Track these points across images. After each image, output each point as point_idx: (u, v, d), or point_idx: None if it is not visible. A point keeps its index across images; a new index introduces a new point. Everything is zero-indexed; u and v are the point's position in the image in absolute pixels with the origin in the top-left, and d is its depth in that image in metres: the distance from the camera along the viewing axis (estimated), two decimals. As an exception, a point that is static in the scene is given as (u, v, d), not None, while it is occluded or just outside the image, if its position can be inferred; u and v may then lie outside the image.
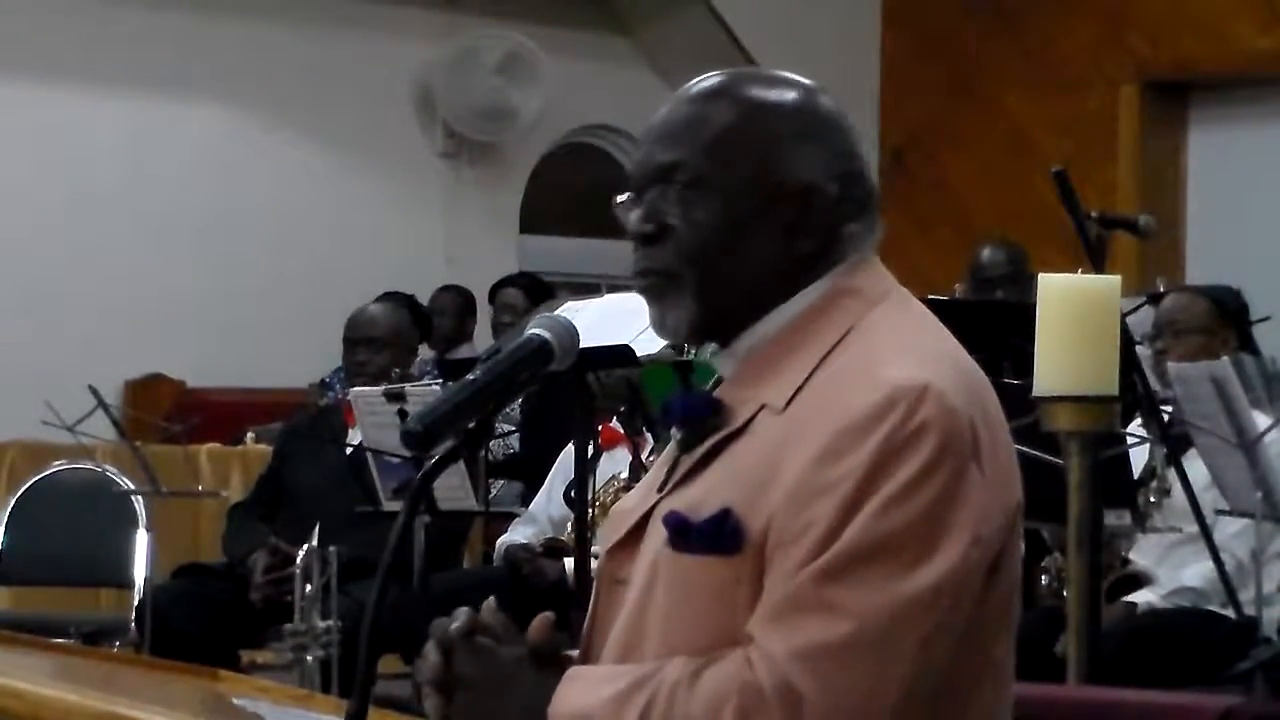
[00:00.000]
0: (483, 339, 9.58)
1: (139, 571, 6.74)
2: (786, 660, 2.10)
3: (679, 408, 2.32)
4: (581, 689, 2.21)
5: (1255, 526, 5.23)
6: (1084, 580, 4.13)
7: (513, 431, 7.60)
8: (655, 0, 11.05)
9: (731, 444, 2.25)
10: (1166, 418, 5.38)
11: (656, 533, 2.26)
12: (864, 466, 2.13)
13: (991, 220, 10.34)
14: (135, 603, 6.54)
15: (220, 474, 7.98)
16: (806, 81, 2.36)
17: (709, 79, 2.35)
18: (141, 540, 6.79)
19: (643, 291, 2.33)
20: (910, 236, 10.39)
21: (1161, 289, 6.58)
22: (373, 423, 6.02)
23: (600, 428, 6.19)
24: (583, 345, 2.39)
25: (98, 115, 9.68)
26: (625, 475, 6.20)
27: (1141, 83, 10.71)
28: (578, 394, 5.04)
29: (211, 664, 3.90)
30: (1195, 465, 5.36)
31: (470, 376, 2.29)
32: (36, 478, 7.26)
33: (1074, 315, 4.04)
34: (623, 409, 6.43)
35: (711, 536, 2.19)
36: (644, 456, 6.06)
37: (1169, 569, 5.54)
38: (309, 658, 5.81)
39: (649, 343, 4.72)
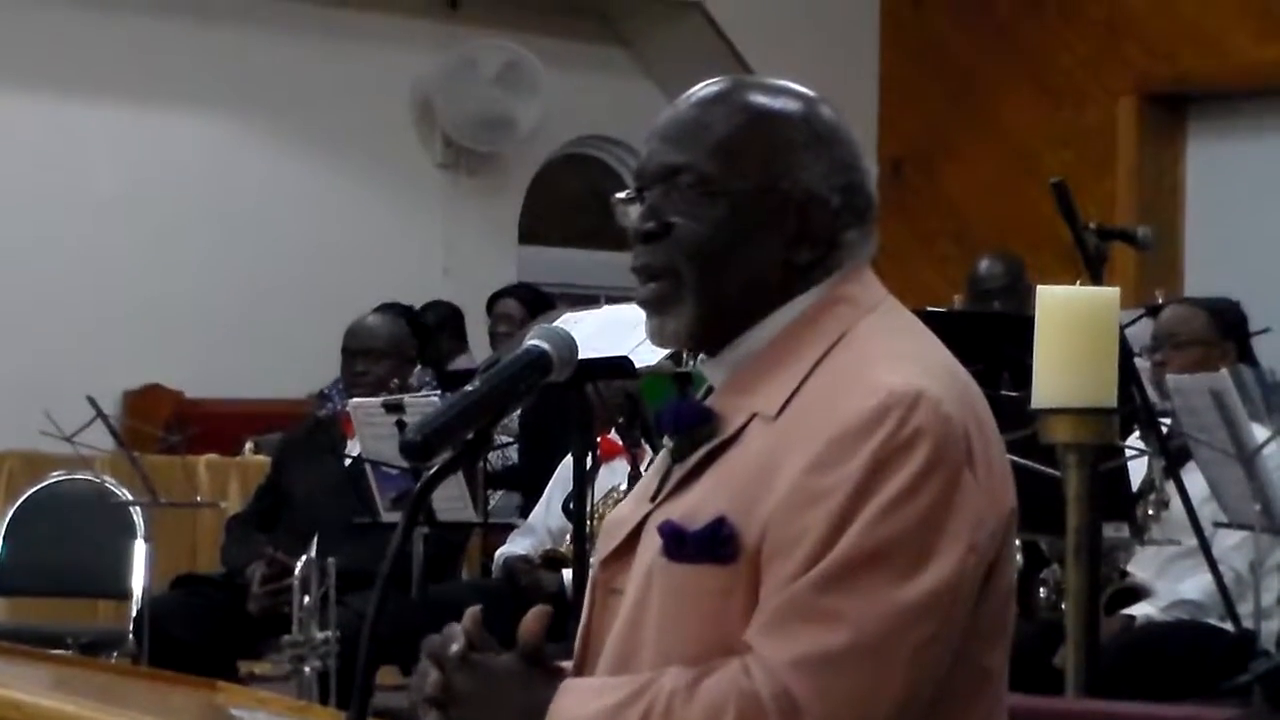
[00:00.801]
0: (480, 349, 9.58)
1: (137, 582, 6.74)
2: (784, 669, 2.10)
3: (671, 417, 2.32)
4: (578, 700, 2.21)
5: (1254, 539, 5.23)
6: (1082, 592, 4.13)
7: (511, 443, 7.59)
8: (654, 11, 11.06)
9: (724, 452, 2.25)
10: (1165, 430, 5.38)
11: (650, 542, 2.26)
12: (858, 473, 2.13)
13: (990, 232, 10.36)
14: (133, 613, 6.53)
15: (218, 485, 7.98)
16: (810, 92, 2.36)
17: (716, 84, 2.35)
18: (140, 551, 6.78)
19: (643, 298, 2.32)
20: (910, 248, 10.39)
21: (1160, 301, 6.58)
22: (371, 434, 6.02)
23: (599, 439, 6.19)
24: (581, 356, 2.39)
25: (96, 125, 9.69)
26: (624, 487, 6.18)
27: (1140, 95, 10.72)
28: (576, 405, 5.03)
29: (209, 675, 3.89)
30: (1194, 478, 5.35)
31: (469, 387, 2.29)
32: (35, 488, 7.25)
33: (1073, 327, 4.03)
34: (621, 420, 6.43)
35: (707, 545, 2.19)
36: (643, 468, 6.05)
37: (1167, 581, 5.54)
38: (307, 669, 5.80)
39: (648, 354, 4.72)
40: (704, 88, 2.36)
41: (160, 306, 9.70)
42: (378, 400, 6.12)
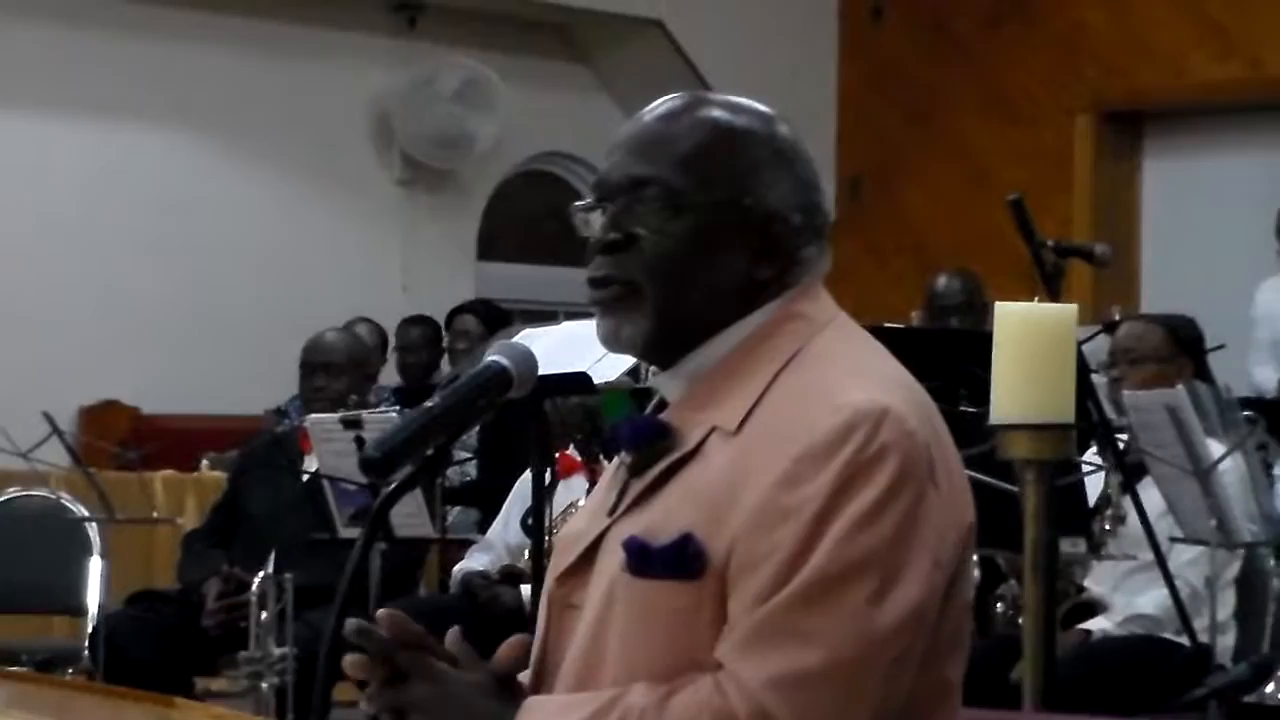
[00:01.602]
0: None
1: (93, 598, 6.70)
2: (760, 688, 2.10)
3: (628, 432, 2.31)
4: (542, 718, 2.20)
5: (1209, 554, 5.25)
6: (1039, 607, 4.14)
7: (470, 458, 7.59)
8: (613, 29, 11.07)
9: (684, 467, 2.24)
10: (1122, 446, 5.40)
11: (610, 557, 2.25)
12: (826, 490, 2.14)
13: (948, 249, 10.38)
14: (89, 630, 6.50)
15: (175, 501, 7.96)
16: (769, 110, 2.37)
17: (679, 99, 2.36)
18: (95, 567, 6.75)
19: (598, 302, 2.32)
20: (867, 265, 10.42)
21: (1117, 317, 6.60)
22: (329, 450, 6.01)
23: (557, 455, 6.19)
24: (540, 372, 2.39)
25: (55, 142, 9.66)
26: (582, 503, 6.19)
27: (1096, 113, 10.78)
28: (535, 421, 5.03)
29: (166, 691, 3.88)
30: (1150, 493, 5.37)
31: (429, 404, 2.29)
32: (-10, 504, 7.22)
33: (1031, 343, 4.04)
34: (580, 436, 6.43)
35: (673, 561, 2.18)
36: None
37: (1124, 596, 5.56)
38: (264, 685, 5.78)
39: (607, 370, 4.73)
40: (667, 102, 2.36)
41: (117, 322, 9.68)
42: (336, 416, 6.11)
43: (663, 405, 2.35)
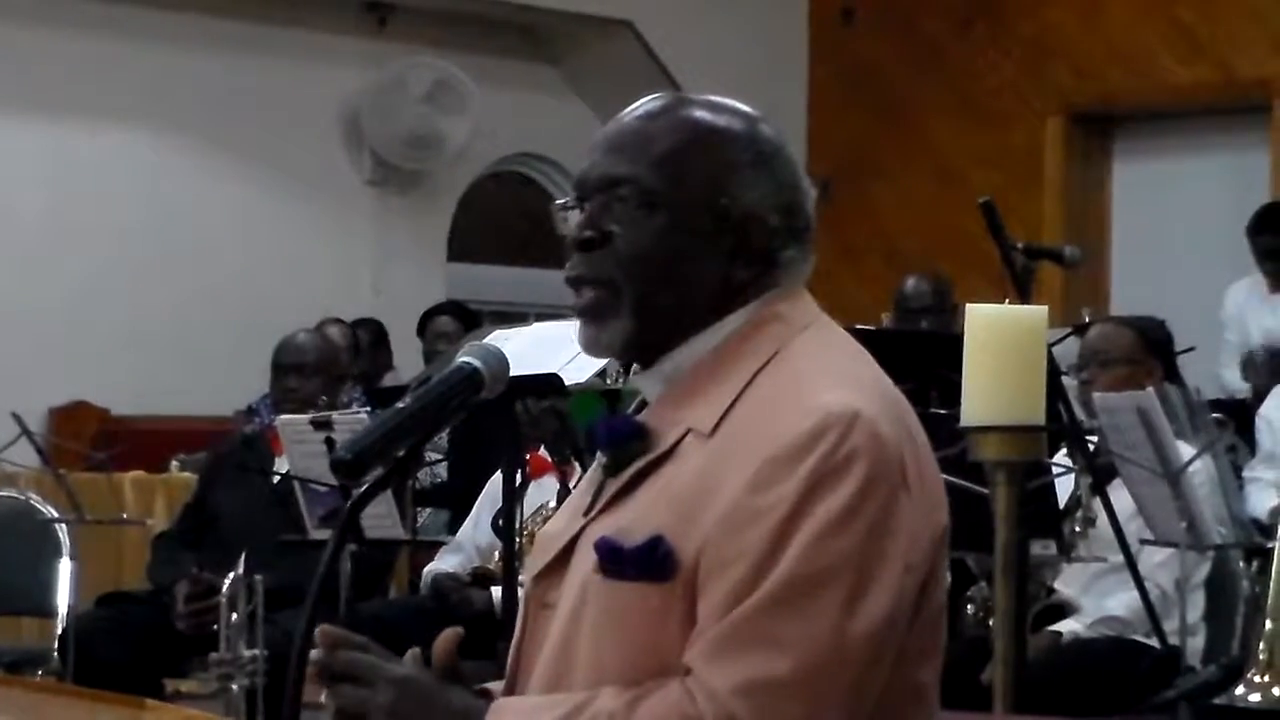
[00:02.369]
0: (407, 366, 9.56)
1: (62, 600, 6.67)
2: (729, 695, 2.10)
3: (605, 432, 2.31)
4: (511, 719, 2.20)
5: (1179, 556, 5.26)
6: (1010, 609, 4.14)
7: (440, 460, 7.58)
8: (584, 30, 11.07)
9: (659, 468, 2.24)
10: (1092, 448, 5.41)
11: (584, 557, 2.25)
12: (795, 494, 2.13)
13: (918, 251, 10.41)
14: (58, 631, 6.48)
15: (145, 502, 7.94)
16: (754, 111, 2.37)
17: (661, 98, 2.36)
18: (65, 568, 6.72)
19: (579, 307, 2.32)
20: (838, 266, 10.43)
21: (1087, 320, 6.62)
22: (300, 451, 5.99)
23: (528, 456, 6.18)
24: (511, 373, 2.39)
25: (23, 142, 9.64)
26: (553, 504, 6.19)
27: (1067, 115, 10.80)
28: (506, 422, 5.03)
29: (136, 693, 3.87)
30: (1120, 495, 5.38)
31: (400, 404, 2.29)
32: (-41, 506, 7.19)
33: (1001, 345, 4.05)
34: (550, 437, 6.43)
35: (644, 563, 2.18)
36: (571, 485, 6.05)
37: (1094, 598, 5.56)
38: (234, 687, 5.76)
39: (578, 371, 4.72)
40: (649, 102, 2.36)
41: (87, 323, 9.65)
42: (306, 417, 6.09)
43: (644, 405, 2.35)
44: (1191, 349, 6.63)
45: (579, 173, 2.35)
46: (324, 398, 6.52)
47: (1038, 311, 4.25)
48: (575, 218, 2.32)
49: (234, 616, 5.81)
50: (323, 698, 2.27)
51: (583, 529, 2.29)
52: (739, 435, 2.19)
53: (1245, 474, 6.74)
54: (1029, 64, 10.87)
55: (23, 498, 7.04)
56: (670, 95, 2.37)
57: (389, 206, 10.85)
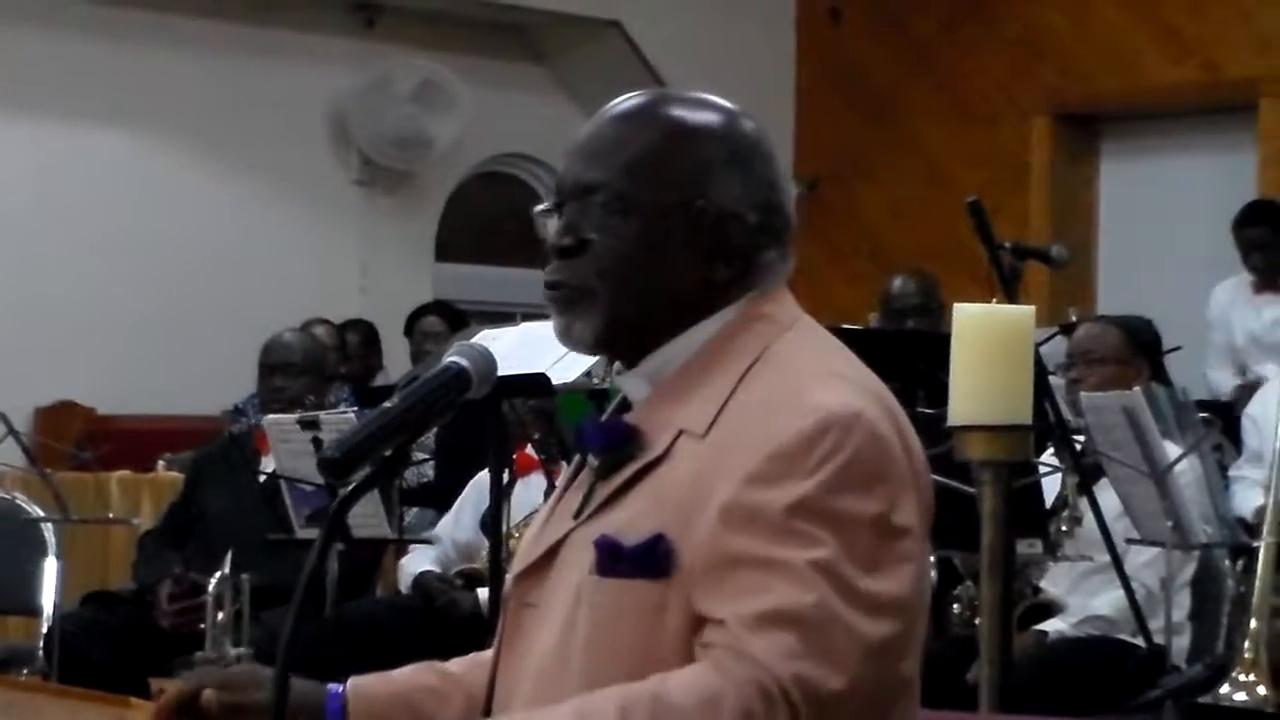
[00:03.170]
0: (395, 366, 9.56)
1: (48, 599, 6.66)
2: (779, 665, 2.08)
3: (598, 435, 2.31)
4: None
5: (1165, 555, 5.27)
6: (996, 608, 4.14)
7: (427, 459, 7.57)
8: (572, 30, 11.07)
9: (653, 470, 2.24)
10: (1079, 447, 5.41)
11: (576, 560, 2.25)
12: (799, 492, 2.13)
13: (906, 251, 10.41)
14: (44, 630, 6.47)
15: (131, 501, 7.93)
16: (731, 105, 2.36)
17: (637, 97, 2.35)
18: (51, 568, 6.71)
19: (552, 298, 2.32)
20: (825, 266, 10.44)
21: (1075, 319, 6.62)
22: (286, 450, 5.99)
23: (515, 455, 6.18)
24: (499, 373, 2.39)
25: (8, 142, 9.62)
26: (541, 502, 6.18)
27: (1054, 115, 10.81)
28: (493, 422, 5.02)
29: (121, 692, 3.86)
30: (1106, 494, 5.39)
31: (387, 404, 2.29)
32: (-55, 505, 7.18)
33: (989, 345, 4.05)
34: (537, 436, 6.43)
35: (643, 560, 2.18)
36: (558, 483, 6.04)
37: (1080, 597, 5.57)
38: (220, 686, 5.75)
39: (565, 371, 4.72)
40: (624, 101, 2.35)
41: (73, 323, 9.63)
42: (293, 417, 6.09)
43: (626, 405, 2.35)
44: (1178, 348, 6.64)
45: (557, 177, 2.35)
46: (311, 397, 6.52)
47: (1025, 311, 4.25)
48: (553, 224, 2.32)
49: (220, 616, 5.81)
50: None
51: (572, 530, 2.29)
52: (734, 436, 2.19)
53: (1231, 473, 6.75)
54: (1016, 64, 10.87)
55: (9, 497, 7.03)
56: (647, 94, 2.36)
57: (376, 206, 10.85)
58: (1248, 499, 6.47)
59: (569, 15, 10.88)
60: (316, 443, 5.73)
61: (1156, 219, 10.54)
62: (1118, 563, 5.27)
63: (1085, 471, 5.38)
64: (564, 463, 6.14)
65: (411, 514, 7.70)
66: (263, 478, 6.28)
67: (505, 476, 5.14)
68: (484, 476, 5.56)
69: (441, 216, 11.18)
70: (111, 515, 7.37)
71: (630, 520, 2.22)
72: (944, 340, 4.18)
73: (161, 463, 8.49)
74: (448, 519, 6.71)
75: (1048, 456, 5.50)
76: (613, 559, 2.20)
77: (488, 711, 2.35)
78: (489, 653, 2.39)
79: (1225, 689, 4.76)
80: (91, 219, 9.76)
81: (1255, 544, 5.04)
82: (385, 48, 10.67)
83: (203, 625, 5.88)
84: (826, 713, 2.09)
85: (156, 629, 6.20)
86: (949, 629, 5.50)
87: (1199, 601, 5.60)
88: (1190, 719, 4.84)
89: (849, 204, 11.17)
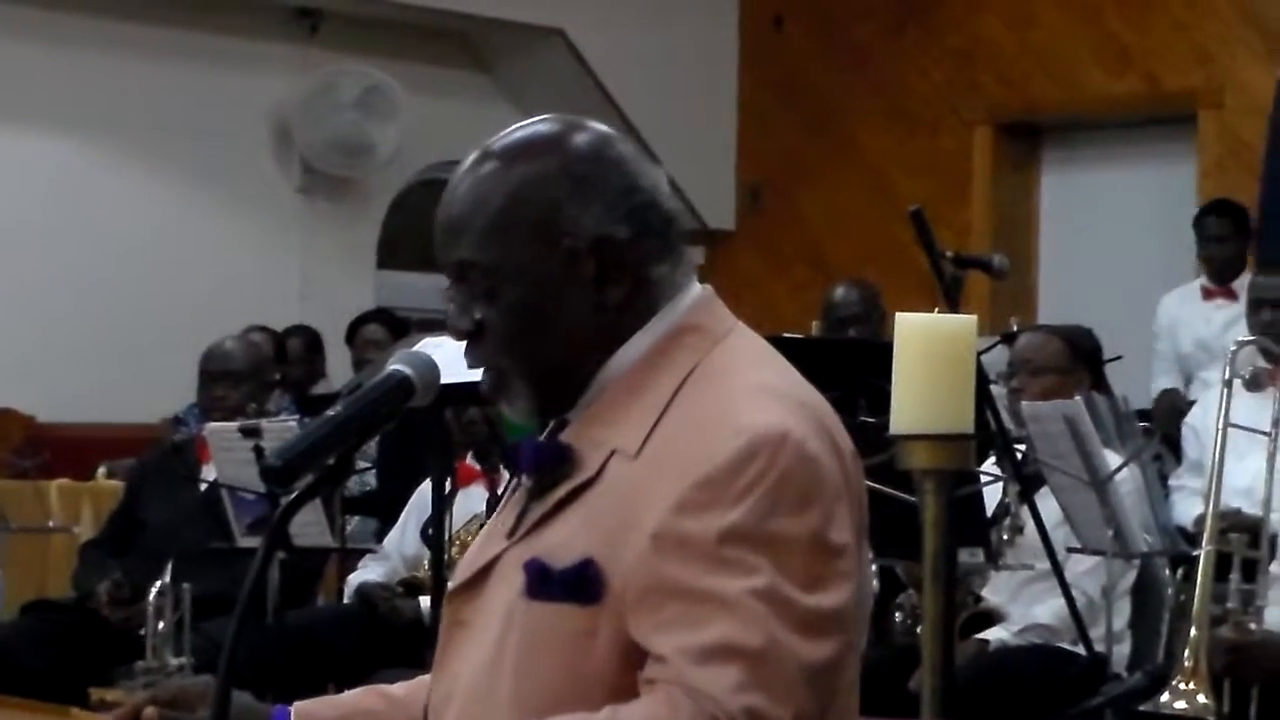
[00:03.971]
0: (337, 374, 9.53)
1: (-13, 608, 6.65)
2: (730, 697, 2.07)
3: (530, 455, 2.30)
4: None
5: (1106, 564, 5.29)
6: (938, 617, 4.14)
7: (369, 468, 7.56)
8: (514, 37, 11.06)
9: (585, 491, 2.23)
10: (1020, 456, 5.43)
11: (508, 580, 2.24)
12: (729, 518, 2.11)
13: (847, 259, 10.43)
14: (-17, 640, 6.44)
15: (71, 510, 7.89)
16: (559, 127, 2.31)
17: (471, 161, 2.31)
18: (-10, 576, 6.70)
19: (483, 390, 2.33)
20: (767, 274, 10.44)
21: (1016, 328, 6.64)
22: (228, 459, 5.97)
23: (457, 464, 6.17)
24: (442, 381, 2.38)
25: (-52, 146, 9.56)
26: (482, 511, 6.17)
27: (995, 124, 10.85)
28: (435, 430, 5.02)
29: (61, 702, 3.85)
30: (1048, 503, 5.41)
31: (331, 412, 2.28)
32: (-118, 513, 7.13)
33: (931, 354, 4.05)
34: (479, 446, 6.42)
35: (573, 585, 2.17)
36: (500, 493, 6.03)
37: (1021, 606, 5.59)
38: (161, 696, 5.73)
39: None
40: (464, 169, 2.31)
41: (12, 330, 9.57)
42: (235, 425, 6.07)
43: (563, 421, 2.34)
44: (1119, 358, 6.66)
45: (438, 258, 2.33)
46: (252, 405, 6.50)
47: (967, 320, 4.25)
48: (451, 308, 2.32)
49: (161, 625, 5.78)
50: None
51: (504, 551, 2.28)
52: (666, 456, 2.18)
53: (1171, 482, 6.78)
54: (958, 73, 10.91)
55: (-53, 505, 6.99)
56: (479, 153, 2.31)
57: (318, 213, 10.81)
58: (1188, 508, 6.50)
59: (512, 23, 10.86)
60: (258, 451, 5.72)
61: (1097, 229, 10.59)
62: (1058, 571, 5.29)
63: (1026, 480, 5.40)
64: (506, 473, 6.13)
65: (353, 522, 7.69)
66: (204, 486, 6.26)
67: (447, 486, 5.13)
68: (426, 489, 5.54)
69: (383, 223, 11.15)
70: (51, 524, 7.34)
71: (562, 542, 2.20)
72: (885, 349, 4.19)
73: (102, 471, 8.45)
74: (394, 534, 6.69)
75: (989, 465, 5.52)
76: (542, 582, 2.19)
77: None
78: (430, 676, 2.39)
79: (1165, 697, 4.78)
80: (31, 226, 9.70)
81: (1195, 553, 5.06)
82: (328, 54, 10.64)
83: (143, 631, 5.86)
84: None
85: (97, 638, 6.17)
86: (891, 637, 5.51)
87: (1139, 610, 5.63)
88: (1130, 727, 4.86)
89: (790, 211, 11.17)
